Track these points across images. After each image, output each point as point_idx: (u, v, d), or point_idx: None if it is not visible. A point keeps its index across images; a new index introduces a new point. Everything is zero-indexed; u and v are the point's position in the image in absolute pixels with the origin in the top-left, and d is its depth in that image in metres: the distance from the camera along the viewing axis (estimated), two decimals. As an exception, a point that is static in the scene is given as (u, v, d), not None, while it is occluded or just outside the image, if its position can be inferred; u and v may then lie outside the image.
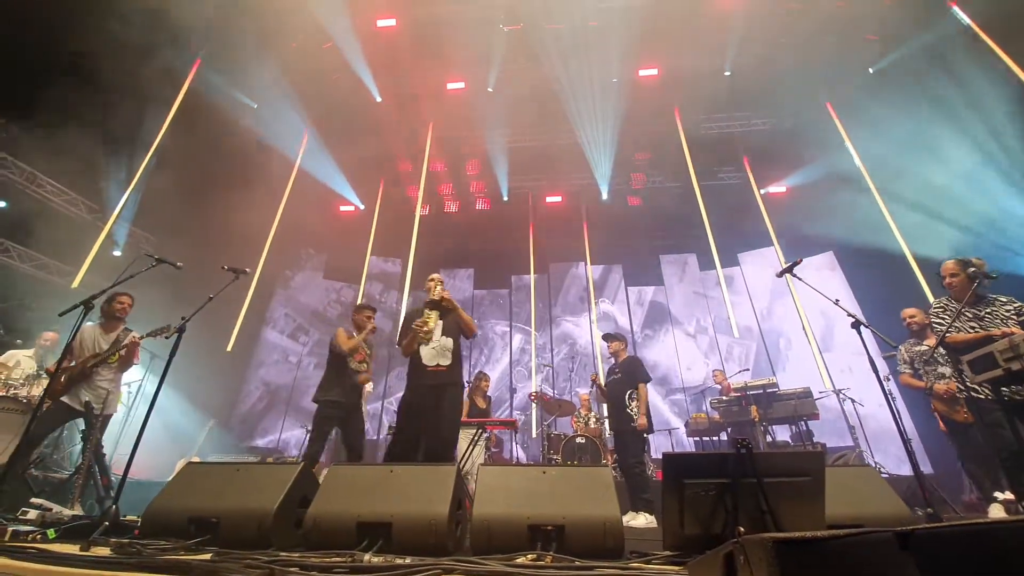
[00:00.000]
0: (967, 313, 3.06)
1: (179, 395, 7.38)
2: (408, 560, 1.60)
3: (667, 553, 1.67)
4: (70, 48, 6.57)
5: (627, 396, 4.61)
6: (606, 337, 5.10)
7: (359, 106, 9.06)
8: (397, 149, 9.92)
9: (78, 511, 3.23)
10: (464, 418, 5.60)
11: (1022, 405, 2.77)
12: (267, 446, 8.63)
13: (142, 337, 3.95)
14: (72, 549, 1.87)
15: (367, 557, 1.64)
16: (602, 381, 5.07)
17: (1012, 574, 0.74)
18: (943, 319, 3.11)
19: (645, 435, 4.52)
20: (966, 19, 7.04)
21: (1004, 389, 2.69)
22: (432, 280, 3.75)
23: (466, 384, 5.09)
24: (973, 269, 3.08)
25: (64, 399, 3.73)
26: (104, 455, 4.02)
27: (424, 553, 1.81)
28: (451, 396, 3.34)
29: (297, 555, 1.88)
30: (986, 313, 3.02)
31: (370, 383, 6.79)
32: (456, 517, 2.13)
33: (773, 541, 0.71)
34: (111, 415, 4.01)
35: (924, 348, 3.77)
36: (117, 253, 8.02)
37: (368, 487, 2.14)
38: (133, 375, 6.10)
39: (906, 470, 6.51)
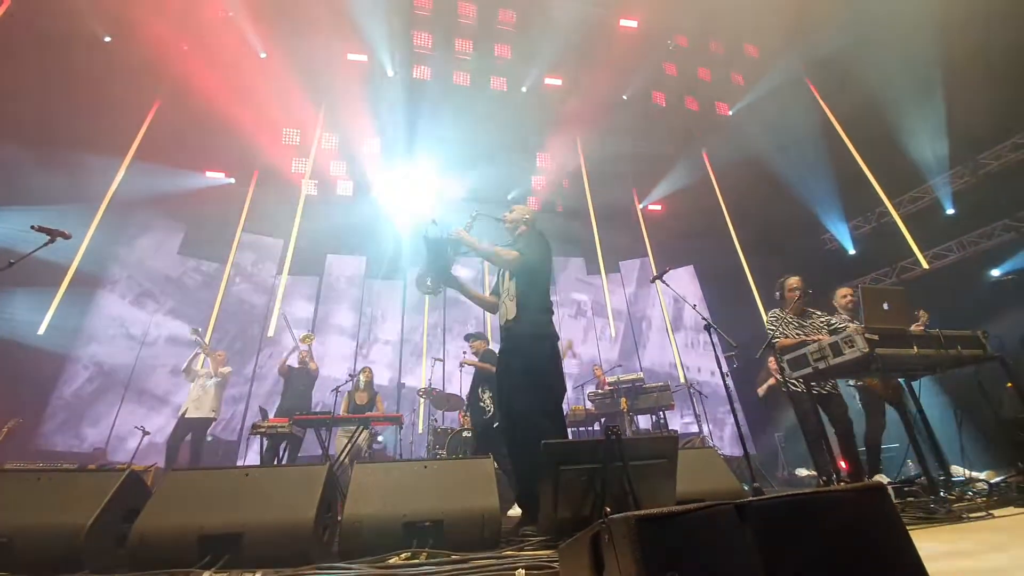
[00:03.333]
0: (793, 323, 3.71)
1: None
2: (258, 574, 1.42)
3: (541, 538, 1.74)
4: None
5: (479, 389, 4.75)
6: (467, 337, 5.21)
7: (237, 59, 7.88)
8: (281, 117, 8.84)
9: None
10: (344, 413, 5.25)
11: (826, 397, 3.49)
12: (92, 448, 7.05)
13: None
14: None
15: (205, 575, 1.41)
16: None
17: (827, 535, 0.88)
18: (775, 326, 3.76)
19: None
20: (799, 68, 8.64)
21: (813, 384, 3.35)
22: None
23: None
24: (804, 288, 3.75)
25: None
26: None
27: (283, 564, 1.63)
28: (521, 353, 2.55)
29: (115, 579, 1.57)
30: (808, 324, 3.67)
31: (227, 367, 5.96)
32: (324, 521, 1.96)
33: (636, 519, 0.75)
34: None
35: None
36: None
37: (216, 495, 1.86)
38: None
39: (738, 451, 7.85)
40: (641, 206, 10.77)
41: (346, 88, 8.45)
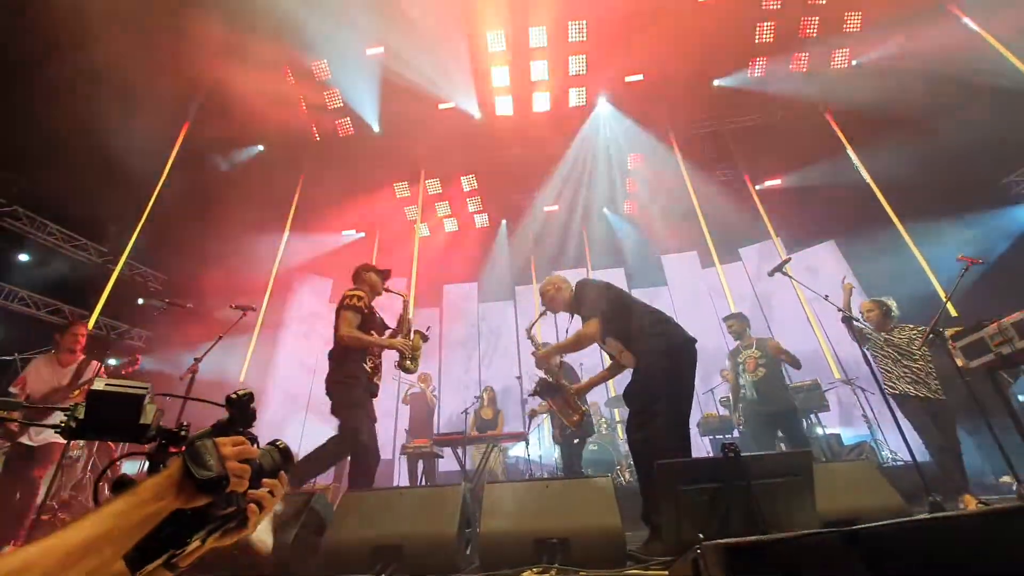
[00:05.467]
0: (881, 340, 3.97)
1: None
2: (417, 581, 1.68)
3: (663, 558, 1.74)
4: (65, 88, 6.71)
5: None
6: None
7: (356, 138, 9.25)
8: (392, 173, 10.08)
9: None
10: (472, 430, 5.69)
11: (931, 403, 3.40)
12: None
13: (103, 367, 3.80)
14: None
15: (378, 580, 1.72)
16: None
17: (959, 567, 0.80)
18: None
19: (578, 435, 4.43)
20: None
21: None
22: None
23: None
24: (886, 307, 4.03)
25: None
26: None
27: (435, 572, 1.89)
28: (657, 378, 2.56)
29: (316, 582, 1.97)
30: (896, 338, 3.89)
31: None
32: (465, 535, 2.21)
33: (723, 547, 0.79)
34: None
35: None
36: (140, 302, 8.44)
37: (381, 511, 2.23)
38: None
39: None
40: (759, 187, 9.75)
41: (439, 136, 9.34)
